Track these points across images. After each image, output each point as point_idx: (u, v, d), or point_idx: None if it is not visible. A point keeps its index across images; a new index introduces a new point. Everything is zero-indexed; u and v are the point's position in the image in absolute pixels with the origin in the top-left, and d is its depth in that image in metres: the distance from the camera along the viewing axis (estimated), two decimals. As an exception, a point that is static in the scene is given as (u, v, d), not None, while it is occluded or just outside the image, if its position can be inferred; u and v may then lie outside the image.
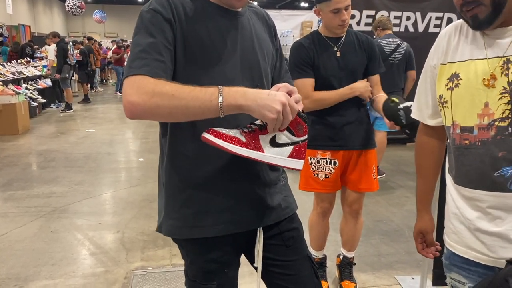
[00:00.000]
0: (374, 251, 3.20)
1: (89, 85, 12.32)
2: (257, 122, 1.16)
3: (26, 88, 9.10)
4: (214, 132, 1.11)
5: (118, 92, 12.82)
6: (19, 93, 7.79)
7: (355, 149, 2.37)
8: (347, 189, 2.49)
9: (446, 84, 1.17)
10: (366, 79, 2.31)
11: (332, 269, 2.82)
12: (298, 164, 1.17)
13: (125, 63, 1.21)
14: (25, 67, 10.23)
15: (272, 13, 9.23)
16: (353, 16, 5.54)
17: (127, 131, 7.75)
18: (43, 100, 9.62)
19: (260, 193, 1.32)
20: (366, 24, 5.65)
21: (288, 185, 1.46)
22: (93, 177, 4.99)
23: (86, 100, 11.34)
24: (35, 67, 10.82)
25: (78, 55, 11.17)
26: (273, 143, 1.14)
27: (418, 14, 5.88)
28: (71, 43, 10.86)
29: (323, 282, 2.63)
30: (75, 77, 12.03)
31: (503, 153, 1.06)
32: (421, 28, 5.93)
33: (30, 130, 7.70)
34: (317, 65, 2.28)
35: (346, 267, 2.68)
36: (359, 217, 2.57)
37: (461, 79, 1.13)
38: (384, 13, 5.66)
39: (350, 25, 5.12)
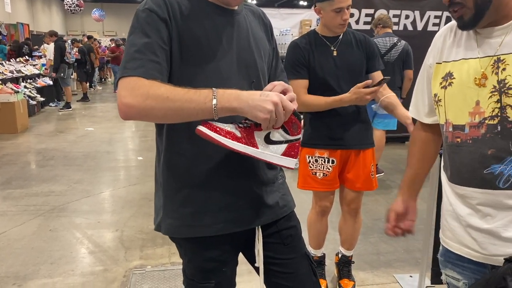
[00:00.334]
0: (373, 249, 3.21)
1: (88, 84, 12.31)
2: None
3: (25, 87, 9.09)
4: (209, 126, 1.11)
5: (116, 91, 12.80)
6: (18, 92, 7.78)
7: (353, 148, 2.37)
8: (345, 188, 2.49)
9: (441, 83, 1.19)
10: (365, 82, 2.27)
11: (330, 268, 2.82)
12: (290, 162, 1.17)
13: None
14: (24, 66, 10.21)
15: (271, 12, 9.23)
16: (352, 15, 5.53)
17: (126, 130, 7.74)
18: (42, 99, 9.60)
19: (258, 191, 1.32)
20: (365, 23, 5.65)
21: (286, 184, 1.46)
22: (92, 175, 4.99)
23: (85, 98, 11.33)
24: (34, 65, 10.80)
25: (77, 53, 11.16)
26: (268, 140, 1.15)
27: (417, 13, 5.87)
28: (69, 41, 10.84)
29: (321, 281, 2.64)
30: (74, 75, 12.01)
31: (492, 151, 1.07)
32: (420, 26, 5.92)
33: (28, 129, 7.69)
34: (313, 65, 2.27)
35: (344, 265, 2.69)
36: (357, 216, 2.58)
37: (454, 78, 1.15)
38: (383, 11, 5.65)
39: (349, 24, 5.11)
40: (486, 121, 1.08)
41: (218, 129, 1.11)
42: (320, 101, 2.24)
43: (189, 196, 1.28)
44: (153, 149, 1.38)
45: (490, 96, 1.08)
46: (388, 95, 2.29)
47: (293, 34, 9.09)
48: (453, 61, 1.17)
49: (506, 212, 1.08)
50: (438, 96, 1.19)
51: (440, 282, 1.57)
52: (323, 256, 2.71)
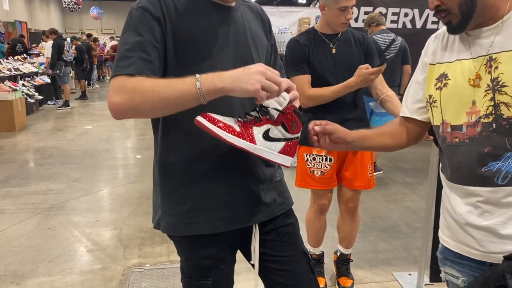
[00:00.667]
0: (372, 247, 3.21)
1: (86, 82, 12.29)
2: (253, 113, 1.16)
3: (23, 85, 9.07)
4: (208, 117, 1.10)
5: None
6: (16, 90, 7.76)
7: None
8: (343, 187, 2.49)
9: (435, 84, 1.20)
10: (366, 65, 2.23)
11: (329, 266, 2.82)
12: (287, 160, 1.17)
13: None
14: (22, 64, 10.19)
15: (270, 10, 9.19)
16: (350, 13, 5.52)
17: (124, 128, 7.73)
18: (40, 97, 9.59)
19: (255, 189, 1.32)
20: (364, 21, 5.65)
21: (283, 181, 1.46)
22: (91, 174, 4.98)
23: (83, 96, 11.31)
24: (32, 63, 10.77)
25: (74, 51, 11.13)
26: (266, 136, 1.14)
27: (416, 11, 5.87)
28: (68, 39, 10.81)
29: (320, 279, 2.64)
30: (72, 73, 11.99)
31: (489, 149, 1.08)
32: (418, 24, 5.92)
33: (27, 127, 7.68)
34: (313, 62, 2.27)
35: (343, 263, 2.69)
36: (355, 215, 2.58)
37: (449, 79, 1.16)
38: (382, 9, 5.66)
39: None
40: (482, 120, 1.09)
41: (216, 121, 1.10)
42: (327, 91, 2.24)
43: (186, 194, 1.28)
44: (152, 147, 1.38)
45: (485, 95, 1.09)
46: (388, 93, 2.29)
47: (292, 32, 9.06)
48: (447, 62, 1.19)
49: (504, 209, 1.09)
50: (433, 97, 1.20)
51: (439, 280, 1.57)
52: (322, 254, 2.71)
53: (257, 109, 1.17)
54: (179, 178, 1.28)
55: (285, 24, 9.60)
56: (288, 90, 1.15)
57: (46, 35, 10.82)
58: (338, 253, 2.72)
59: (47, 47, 10.04)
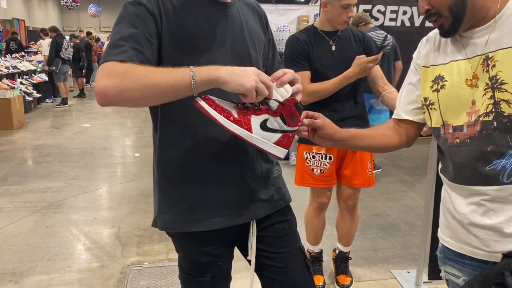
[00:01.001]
0: (370, 245, 3.21)
1: (85, 80, 12.26)
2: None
3: (21, 83, 9.05)
4: (207, 100, 1.08)
5: None
6: (14, 88, 7.73)
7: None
8: (342, 185, 2.49)
9: (431, 87, 1.20)
10: (362, 55, 2.23)
11: (328, 263, 2.82)
12: (280, 152, 1.15)
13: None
14: (20, 62, 10.16)
15: (268, 7, 9.18)
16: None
17: (123, 126, 7.72)
18: (38, 95, 9.56)
19: (253, 186, 1.32)
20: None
21: (282, 178, 1.45)
22: (89, 172, 4.98)
23: (81, 95, 11.28)
24: (30, 61, 10.74)
25: (72, 50, 11.10)
26: (263, 126, 1.12)
27: (415, 9, 5.86)
28: (67, 37, 10.77)
29: (319, 276, 2.64)
30: (70, 72, 11.97)
31: (492, 147, 1.08)
32: (417, 22, 5.91)
33: (25, 125, 7.66)
34: (313, 59, 2.27)
35: (342, 261, 2.69)
36: (354, 213, 2.58)
37: (446, 81, 1.16)
38: (380, 7, 5.65)
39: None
40: (481, 118, 1.09)
41: (215, 104, 1.08)
42: (327, 84, 2.24)
43: (184, 191, 1.28)
44: (150, 145, 1.37)
45: (484, 94, 1.09)
46: (389, 90, 2.29)
47: (290, 30, 9.05)
48: (442, 64, 1.18)
49: (509, 206, 1.08)
50: (430, 100, 1.20)
51: (438, 278, 1.58)
52: (321, 252, 2.71)
53: None
54: (177, 176, 1.28)
55: (284, 22, 9.59)
56: (292, 83, 1.14)
57: (44, 33, 10.79)
58: (337, 251, 2.72)
59: (44, 45, 10.00)
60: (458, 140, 1.14)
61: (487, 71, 1.09)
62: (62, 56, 9.70)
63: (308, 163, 2.40)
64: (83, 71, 11.85)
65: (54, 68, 9.58)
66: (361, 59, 2.14)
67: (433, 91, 1.19)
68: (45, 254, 3.04)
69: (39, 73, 10.45)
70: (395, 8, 5.77)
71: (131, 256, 3.01)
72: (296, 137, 1.23)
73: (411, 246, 3.19)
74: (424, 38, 1.28)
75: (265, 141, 1.13)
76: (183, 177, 1.27)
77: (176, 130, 1.25)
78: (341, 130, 1.32)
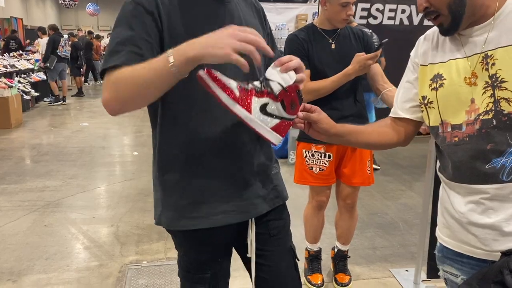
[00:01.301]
0: (369, 244, 3.21)
1: (83, 78, 12.24)
2: (256, 83, 1.13)
3: (19, 82, 9.01)
4: (210, 74, 1.05)
5: None
6: (12, 87, 7.71)
7: (349, 143, 2.36)
8: (342, 183, 2.49)
9: (430, 85, 1.19)
10: (362, 53, 2.22)
11: (327, 262, 2.82)
12: (276, 138, 1.14)
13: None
14: (18, 60, 10.13)
15: (267, 6, 9.16)
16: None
17: (121, 125, 7.70)
18: (36, 94, 9.54)
19: (252, 182, 1.32)
20: (361, 17, 5.63)
21: (280, 175, 1.45)
22: (87, 171, 4.97)
23: (79, 93, 11.26)
24: (28, 60, 10.71)
25: (69, 48, 11.07)
26: (263, 109, 1.11)
27: (413, 7, 5.86)
28: (66, 36, 10.75)
29: (318, 275, 2.64)
30: (68, 70, 11.94)
31: (491, 145, 1.08)
32: (416, 21, 5.91)
33: (23, 124, 7.64)
34: (312, 57, 2.27)
35: (340, 260, 2.69)
36: (353, 211, 2.58)
37: (445, 79, 1.16)
38: (379, 6, 5.65)
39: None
40: (480, 117, 1.09)
41: (218, 79, 1.06)
42: (326, 82, 2.23)
43: (185, 188, 1.27)
44: (149, 144, 1.37)
45: (484, 92, 1.08)
46: (390, 88, 2.29)
47: (289, 29, 9.04)
48: (441, 62, 1.18)
49: (509, 204, 1.08)
50: (429, 98, 1.19)
51: (436, 276, 1.57)
52: (319, 251, 2.71)
53: (261, 79, 1.14)
54: (178, 172, 1.27)
55: (282, 20, 9.58)
56: (297, 71, 1.14)
57: (42, 32, 10.76)
58: (336, 250, 2.72)
59: (42, 43, 9.97)
60: (456, 139, 1.13)
61: (487, 69, 1.08)
62: (58, 53, 9.66)
63: (307, 162, 2.39)
64: (81, 70, 11.82)
65: (48, 64, 9.54)
66: (360, 56, 2.14)
67: (431, 89, 1.19)
68: (43, 253, 3.03)
69: (37, 72, 10.41)
70: (393, 6, 5.77)
71: (130, 255, 3.01)
72: (296, 136, 1.23)
73: (409, 244, 3.20)
74: (422, 37, 1.28)
75: (263, 125, 1.11)
76: (184, 173, 1.27)
77: (176, 126, 1.25)
78: (336, 125, 1.31)
